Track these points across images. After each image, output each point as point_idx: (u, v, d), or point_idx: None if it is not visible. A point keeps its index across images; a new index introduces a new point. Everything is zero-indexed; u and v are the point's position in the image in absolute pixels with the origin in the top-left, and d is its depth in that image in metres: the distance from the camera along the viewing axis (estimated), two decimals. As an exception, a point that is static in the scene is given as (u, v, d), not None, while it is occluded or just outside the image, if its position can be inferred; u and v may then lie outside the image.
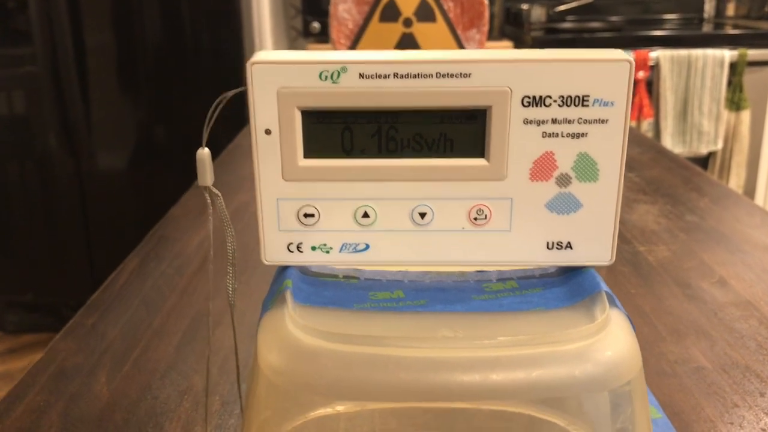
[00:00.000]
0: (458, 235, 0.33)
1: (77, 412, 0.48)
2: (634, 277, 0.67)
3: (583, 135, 0.31)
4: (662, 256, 0.72)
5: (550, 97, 0.30)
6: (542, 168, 0.31)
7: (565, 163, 0.31)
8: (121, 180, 2.14)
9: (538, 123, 0.31)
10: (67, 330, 0.59)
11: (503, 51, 0.31)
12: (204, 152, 0.32)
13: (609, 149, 0.31)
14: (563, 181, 0.32)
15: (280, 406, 0.30)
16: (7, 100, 2.07)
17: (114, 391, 0.51)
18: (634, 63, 0.30)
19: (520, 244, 0.33)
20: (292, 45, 2.52)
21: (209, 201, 0.33)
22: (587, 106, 0.30)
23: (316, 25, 2.29)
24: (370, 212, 0.32)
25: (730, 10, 2.75)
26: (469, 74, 0.30)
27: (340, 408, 0.37)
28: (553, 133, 0.31)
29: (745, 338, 0.57)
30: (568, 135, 0.31)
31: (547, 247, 0.33)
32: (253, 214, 0.42)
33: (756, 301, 0.62)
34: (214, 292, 0.64)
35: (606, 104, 0.30)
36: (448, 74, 0.30)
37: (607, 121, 0.31)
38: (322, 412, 0.36)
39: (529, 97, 0.30)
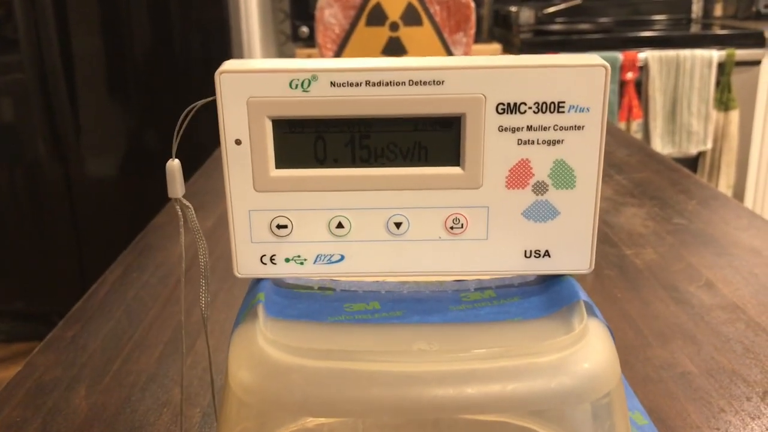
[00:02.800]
0: (435, 245, 0.32)
1: (55, 428, 0.47)
2: (621, 281, 0.67)
3: (559, 142, 0.30)
4: (649, 260, 0.71)
5: (525, 103, 0.30)
6: (518, 176, 0.31)
7: (541, 171, 0.31)
8: (110, 186, 2.12)
9: (514, 130, 0.30)
10: (47, 343, 0.58)
11: (477, 57, 0.31)
12: (174, 164, 0.32)
13: (586, 156, 0.31)
14: (540, 188, 0.31)
15: (253, 422, 0.29)
16: (-6, 107, 2.05)
17: (93, 405, 0.50)
18: (609, 68, 0.30)
19: (497, 253, 0.32)
20: (281, 50, 2.51)
21: (180, 213, 0.33)
22: (563, 112, 0.30)
23: (304, 29, 2.28)
24: (344, 222, 0.32)
25: (718, 10, 2.76)
26: (443, 81, 0.30)
27: (315, 423, 0.37)
28: (528, 140, 0.30)
29: (731, 342, 0.56)
30: (544, 142, 0.30)
31: (525, 256, 0.32)
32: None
33: (743, 304, 0.62)
34: (194, 300, 0.63)
35: (582, 110, 0.30)
36: (421, 81, 0.30)
37: (583, 127, 0.30)
38: (297, 426, 0.35)
39: (503, 104, 0.30)
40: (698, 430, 0.46)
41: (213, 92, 0.31)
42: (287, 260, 0.32)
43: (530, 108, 0.30)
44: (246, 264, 0.32)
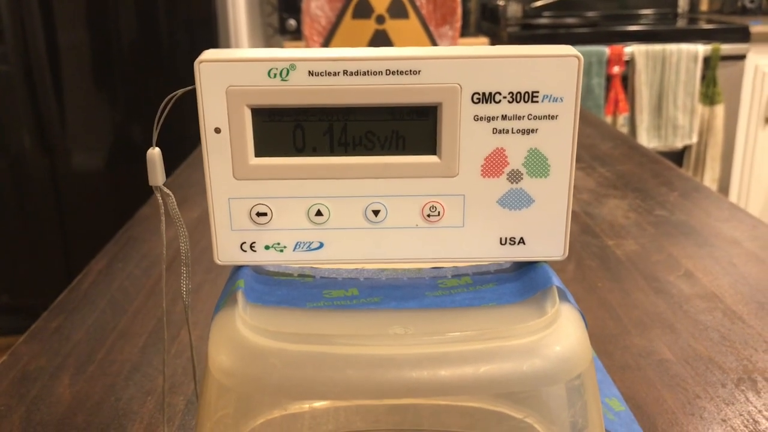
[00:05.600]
0: (412, 232, 0.33)
1: (38, 416, 0.48)
2: (602, 271, 0.68)
3: (533, 131, 0.31)
4: (630, 250, 0.72)
5: (500, 93, 0.30)
6: (493, 164, 0.31)
7: (516, 159, 0.31)
8: (96, 179, 2.11)
9: (489, 119, 0.31)
10: (31, 333, 0.59)
11: (453, 48, 0.31)
12: (154, 152, 0.32)
13: (559, 145, 0.31)
14: (514, 177, 0.32)
15: (233, 406, 0.30)
16: (-21, 100, 2.04)
17: (77, 394, 0.50)
18: (582, 59, 0.30)
19: (473, 240, 0.33)
20: (269, 43, 2.51)
21: (160, 201, 0.33)
22: (537, 102, 0.31)
23: (292, 22, 2.28)
24: (323, 210, 0.32)
25: (704, 5, 2.77)
26: (419, 71, 0.30)
27: (299, 408, 0.37)
28: (503, 130, 0.31)
29: (708, 330, 0.57)
30: (519, 131, 0.31)
31: (500, 243, 0.33)
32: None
33: (721, 293, 0.63)
34: (175, 294, 0.63)
35: (555, 100, 0.30)
36: (397, 71, 0.30)
37: (556, 116, 0.31)
38: (279, 412, 0.36)
39: (479, 94, 0.30)
40: (674, 415, 0.47)
41: (183, 90, 0.31)
42: (267, 247, 0.33)
43: (505, 97, 0.30)
44: (226, 251, 0.33)
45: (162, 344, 0.56)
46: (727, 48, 2.26)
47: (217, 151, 0.31)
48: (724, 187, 2.40)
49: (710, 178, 2.36)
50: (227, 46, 2.09)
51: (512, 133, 0.31)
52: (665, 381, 0.51)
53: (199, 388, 0.35)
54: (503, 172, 0.32)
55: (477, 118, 0.31)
